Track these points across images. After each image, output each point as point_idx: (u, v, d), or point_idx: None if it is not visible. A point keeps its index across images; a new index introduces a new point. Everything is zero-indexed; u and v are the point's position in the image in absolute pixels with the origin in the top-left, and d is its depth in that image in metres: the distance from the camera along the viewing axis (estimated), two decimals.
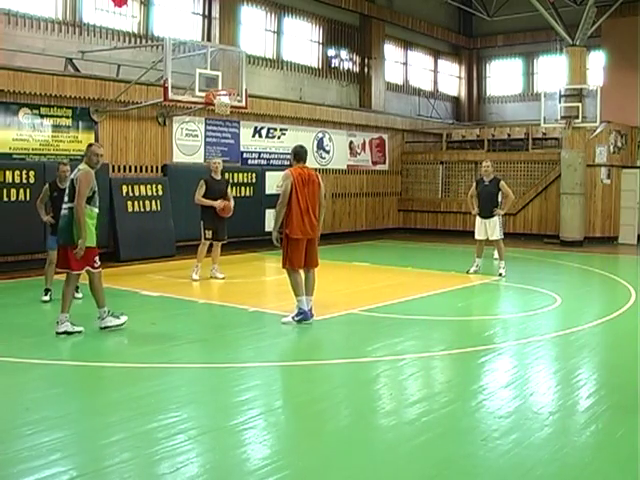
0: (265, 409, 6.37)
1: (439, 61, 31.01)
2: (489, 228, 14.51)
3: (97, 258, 9.14)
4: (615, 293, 13.11)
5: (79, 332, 8.94)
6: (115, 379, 7.26)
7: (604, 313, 10.89)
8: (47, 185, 11.39)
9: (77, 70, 16.37)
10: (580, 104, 21.20)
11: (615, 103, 22.77)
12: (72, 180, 9.01)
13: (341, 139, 22.94)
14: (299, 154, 9.99)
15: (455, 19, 30.57)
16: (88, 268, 9.01)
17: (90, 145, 9.47)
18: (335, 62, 25.22)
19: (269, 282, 14.42)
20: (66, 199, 9.03)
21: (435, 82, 30.78)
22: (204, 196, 13.52)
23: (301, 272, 9.90)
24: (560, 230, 21.62)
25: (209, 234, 13.62)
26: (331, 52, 25.05)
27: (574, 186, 21.09)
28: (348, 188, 23.10)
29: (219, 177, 13.89)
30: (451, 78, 31.65)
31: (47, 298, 11.27)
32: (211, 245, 13.85)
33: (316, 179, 9.84)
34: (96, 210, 9.11)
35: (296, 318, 9.73)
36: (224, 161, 15.37)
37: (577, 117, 21.14)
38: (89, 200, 8.93)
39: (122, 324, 9.30)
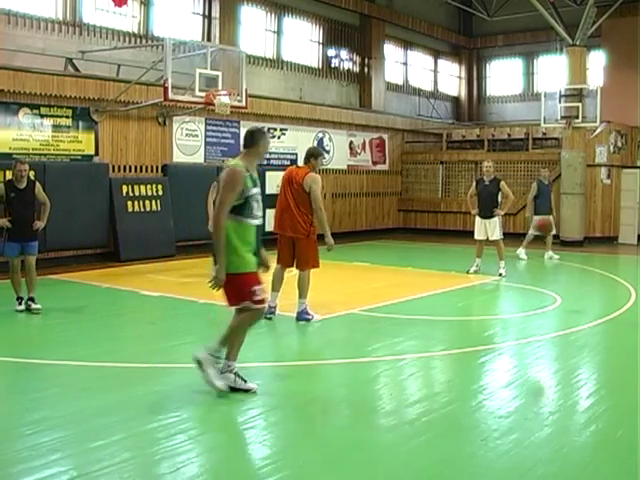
0: (265, 409, 6.37)
1: (439, 61, 31.01)
2: (489, 228, 14.52)
3: (258, 288, 6.64)
4: (615, 293, 13.10)
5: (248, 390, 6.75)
6: (115, 379, 7.26)
7: (604, 313, 10.89)
8: (1, 185, 10.39)
9: (77, 70, 16.38)
10: (580, 104, 21.21)
11: (615, 103, 22.76)
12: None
13: (341, 139, 22.94)
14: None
15: (455, 19, 30.57)
16: (247, 303, 6.62)
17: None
18: (335, 62, 25.22)
19: (269, 282, 14.40)
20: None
21: (435, 82, 30.79)
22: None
23: (293, 271, 10.00)
24: (560, 230, 21.59)
25: None
26: (331, 52, 25.06)
27: (574, 186, 21.09)
28: (348, 188, 23.10)
29: None
30: (451, 78, 31.66)
31: (22, 307, 10.25)
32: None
33: (300, 179, 9.79)
34: (252, 222, 6.65)
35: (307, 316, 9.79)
36: (223, 160, 15.42)
37: (577, 117, 21.14)
38: (239, 209, 6.55)
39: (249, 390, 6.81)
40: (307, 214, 9.75)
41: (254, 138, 6.77)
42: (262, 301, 6.67)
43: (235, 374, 6.70)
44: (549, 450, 5.46)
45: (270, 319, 9.80)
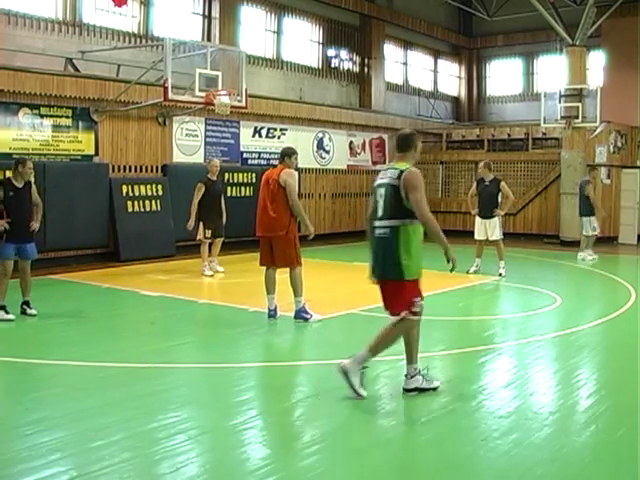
0: (264, 409, 6.39)
1: (439, 61, 31.03)
2: (489, 228, 14.54)
3: (418, 300, 6.78)
4: (615, 293, 13.10)
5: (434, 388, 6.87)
6: (115, 379, 7.26)
7: (604, 313, 10.89)
8: None
9: (77, 70, 16.38)
10: (580, 104, 21.22)
11: (615, 103, 22.77)
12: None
13: (341, 139, 22.95)
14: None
15: (455, 19, 30.58)
16: (405, 313, 6.68)
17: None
18: (335, 62, 25.23)
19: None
20: (381, 213, 6.65)
21: (435, 82, 30.81)
22: (202, 198, 13.96)
23: (283, 272, 10.02)
24: (560, 230, 21.62)
25: (209, 233, 14.14)
26: (331, 52, 25.07)
27: (574, 186, 21.02)
28: (348, 188, 23.10)
29: (215, 178, 14.39)
30: (451, 78, 31.67)
31: (11, 316, 9.79)
32: (210, 243, 14.39)
33: (276, 177, 9.79)
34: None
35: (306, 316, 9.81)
36: (224, 161, 15.48)
37: (577, 117, 21.16)
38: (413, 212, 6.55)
39: (435, 388, 6.91)
40: (284, 212, 9.74)
41: (412, 142, 6.88)
42: (419, 313, 6.76)
43: (422, 376, 6.81)
44: (549, 450, 5.46)
45: (272, 320, 9.83)
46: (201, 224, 14.10)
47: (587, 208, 17.51)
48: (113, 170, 16.37)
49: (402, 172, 6.52)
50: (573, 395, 6.97)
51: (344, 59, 25.56)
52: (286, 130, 20.84)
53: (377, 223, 6.66)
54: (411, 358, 6.82)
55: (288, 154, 10.08)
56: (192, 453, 5.31)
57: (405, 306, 6.59)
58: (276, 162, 19.73)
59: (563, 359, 8.50)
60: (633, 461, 5.27)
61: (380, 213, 6.63)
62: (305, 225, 10.00)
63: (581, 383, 7.43)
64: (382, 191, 6.64)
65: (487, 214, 14.55)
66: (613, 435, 5.83)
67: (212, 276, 14.17)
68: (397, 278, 6.57)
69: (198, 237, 14.22)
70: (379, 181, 6.75)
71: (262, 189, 9.99)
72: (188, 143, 18.18)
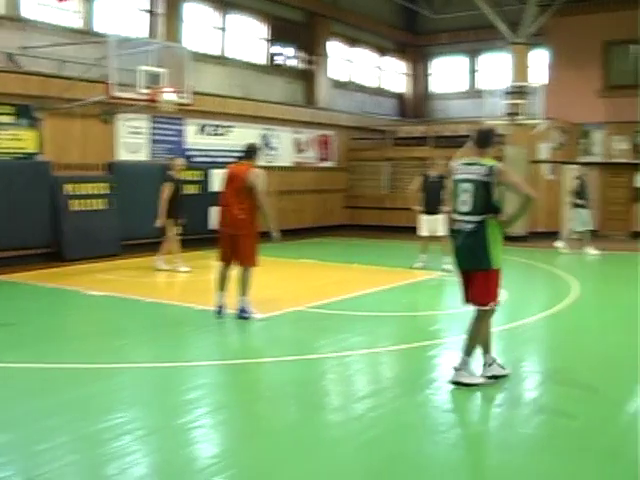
0: (212, 407, 6.37)
1: (384, 58, 31.13)
2: (435, 224, 14.65)
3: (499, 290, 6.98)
4: (558, 287, 13.30)
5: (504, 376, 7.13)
6: (60, 381, 7.18)
7: (548, 306, 11.07)
8: None
9: (19, 66, 16.12)
10: (524, 101, 21.51)
11: (558, 100, 23.11)
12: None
13: (287, 136, 22.94)
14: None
15: (400, 16, 30.70)
16: (492, 305, 6.94)
17: None
18: (280, 59, 25.17)
19: (215, 280, 14.36)
20: (469, 208, 6.74)
21: (380, 79, 30.92)
22: (170, 196, 14.14)
23: (234, 269, 10.01)
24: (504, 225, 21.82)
25: (179, 229, 14.42)
26: (276, 49, 24.99)
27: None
28: (294, 185, 23.08)
29: (179, 176, 14.65)
30: (396, 75, 31.82)
31: None
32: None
33: (243, 175, 9.79)
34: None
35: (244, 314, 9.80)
36: (170, 159, 15.40)
37: (520, 114, 21.43)
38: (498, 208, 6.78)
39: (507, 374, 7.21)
40: (249, 211, 9.74)
41: (492, 138, 7.10)
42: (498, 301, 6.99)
43: (498, 364, 7.13)
44: (495, 442, 5.55)
45: (220, 318, 9.80)
46: (171, 221, 14.18)
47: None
48: (57, 168, 16.12)
49: (492, 168, 6.71)
50: (518, 387, 7.06)
51: (289, 56, 25.51)
52: (232, 127, 20.76)
53: (463, 217, 6.80)
54: (487, 348, 7.14)
55: (255, 151, 10.13)
56: (139, 454, 5.27)
57: (493, 296, 6.86)
58: (222, 159, 19.82)
59: (508, 352, 8.59)
60: (575, 450, 5.38)
61: (467, 208, 6.76)
62: (273, 229, 9.92)
63: (526, 375, 7.54)
64: (468, 186, 6.77)
65: (434, 210, 14.66)
66: (557, 425, 5.93)
67: (190, 271, 14.24)
68: (487, 267, 6.75)
69: (169, 234, 14.20)
70: (462, 176, 6.86)
71: (226, 185, 9.94)
72: (133, 141, 18.00)
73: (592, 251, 18.33)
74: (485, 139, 6.99)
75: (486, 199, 6.67)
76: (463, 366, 6.83)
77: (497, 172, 6.67)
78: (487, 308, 6.85)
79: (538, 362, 8.25)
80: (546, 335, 9.69)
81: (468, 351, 6.89)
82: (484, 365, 7.09)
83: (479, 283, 6.81)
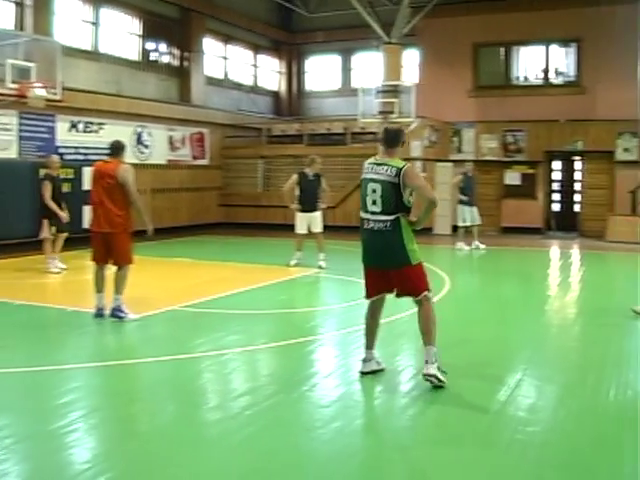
0: (86, 411, 6.24)
1: (259, 56, 31.14)
2: (312, 221, 14.76)
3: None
4: (431, 281, 13.58)
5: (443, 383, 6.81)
6: None
7: None
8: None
9: None
10: (396, 100, 21.93)
11: (429, 99, 23.64)
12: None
13: (161, 134, 22.65)
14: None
15: (275, 14, 30.75)
16: (427, 292, 7.08)
17: None
18: (154, 55, 24.84)
19: (87, 280, 14.06)
20: (379, 208, 6.81)
21: (255, 77, 30.91)
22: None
23: (109, 269, 9.88)
24: None
25: (54, 229, 13.92)
26: (150, 45, 24.64)
27: None
28: (168, 183, 22.82)
29: (56, 174, 14.31)
30: (271, 73, 31.88)
31: None
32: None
33: (112, 173, 9.64)
34: None
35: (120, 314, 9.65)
36: (40, 156, 15.02)
37: (393, 112, 21.84)
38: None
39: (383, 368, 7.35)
40: (122, 208, 9.60)
41: (401, 138, 7.16)
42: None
43: (377, 361, 7.31)
44: (370, 436, 5.64)
45: (100, 320, 9.62)
46: (45, 221, 13.80)
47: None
48: None
49: (399, 170, 6.78)
50: (393, 381, 7.18)
51: (163, 52, 25.22)
52: (104, 124, 20.34)
53: (374, 217, 6.86)
54: (372, 344, 7.28)
55: (122, 148, 10.02)
56: (9, 463, 5.07)
57: (425, 285, 7.00)
58: (94, 157, 19.40)
59: (383, 346, 8.73)
60: (448, 441, 5.53)
61: (377, 208, 6.82)
62: (145, 221, 9.79)
63: (400, 369, 7.68)
64: (376, 186, 6.83)
65: (311, 208, 14.77)
66: (429, 417, 6.08)
67: (59, 273, 13.80)
68: (408, 263, 6.86)
69: (42, 235, 13.80)
70: (370, 175, 6.92)
71: (95, 184, 9.74)
72: (0, 138, 17.41)
73: (480, 245, 18.93)
74: (393, 139, 7.07)
75: (396, 199, 6.75)
76: (434, 357, 6.87)
77: (403, 174, 6.74)
78: (426, 294, 7.00)
79: (410, 355, 8.41)
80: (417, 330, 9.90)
81: (432, 340, 6.98)
82: (363, 360, 7.20)
83: (407, 278, 6.95)
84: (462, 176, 19.21)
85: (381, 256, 6.92)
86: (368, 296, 7.20)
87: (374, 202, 6.83)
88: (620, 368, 7.59)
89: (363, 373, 7.13)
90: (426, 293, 6.99)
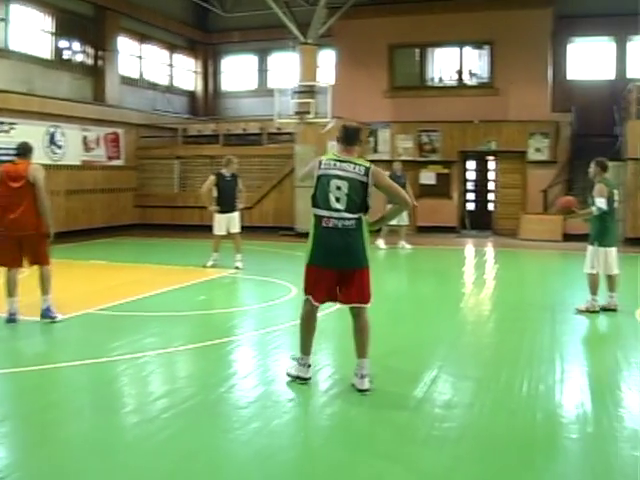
0: (7, 415, 6.10)
1: (175, 55, 30.84)
2: (232, 222, 14.71)
3: None
4: None
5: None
6: None
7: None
8: None
9: None
10: (312, 100, 22.01)
11: (345, 100, 23.77)
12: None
13: (74, 134, 22.23)
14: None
15: (191, 14, 30.48)
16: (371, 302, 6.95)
17: None
18: (68, 54, 24.34)
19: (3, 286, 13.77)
20: (343, 206, 6.64)
21: (171, 76, 30.61)
22: None
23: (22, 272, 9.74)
24: (295, 222, 22.30)
25: None
26: (63, 43, 24.13)
27: (305, 179, 21.77)
28: (83, 184, 22.43)
29: None
30: (187, 73, 31.61)
31: None
32: None
33: (23, 174, 9.48)
34: None
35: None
36: None
37: (309, 113, 21.92)
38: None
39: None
40: (36, 209, 9.45)
41: (360, 135, 7.03)
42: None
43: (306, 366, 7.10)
44: (288, 436, 5.67)
45: (13, 325, 9.41)
46: None
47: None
48: None
49: (368, 169, 6.65)
50: (311, 381, 7.22)
51: (77, 51, 24.74)
52: (15, 124, 19.88)
53: (337, 215, 6.62)
54: (309, 350, 7.10)
55: (31, 149, 9.88)
56: None
57: (370, 294, 6.81)
58: (5, 158, 18.96)
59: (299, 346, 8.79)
60: (366, 439, 5.59)
61: (342, 206, 6.60)
62: (51, 227, 9.61)
63: (317, 368, 7.70)
64: (342, 184, 6.61)
65: (230, 208, 14.72)
66: (347, 415, 6.13)
67: None
68: (363, 265, 6.71)
69: None
70: (335, 172, 6.67)
71: (4, 187, 9.50)
72: None
73: (406, 245, 19.10)
74: (354, 137, 6.91)
75: (362, 198, 6.60)
76: (366, 370, 6.74)
77: (373, 174, 6.64)
78: (369, 305, 6.81)
79: (328, 354, 8.46)
80: (336, 327, 9.95)
81: (368, 353, 6.82)
82: (307, 365, 7.05)
83: (359, 282, 6.74)
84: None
85: (341, 255, 6.65)
86: (315, 300, 6.86)
87: (338, 199, 6.59)
88: (532, 363, 7.79)
89: (307, 378, 6.98)
90: (369, 304, 6.84)
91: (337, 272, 6.71)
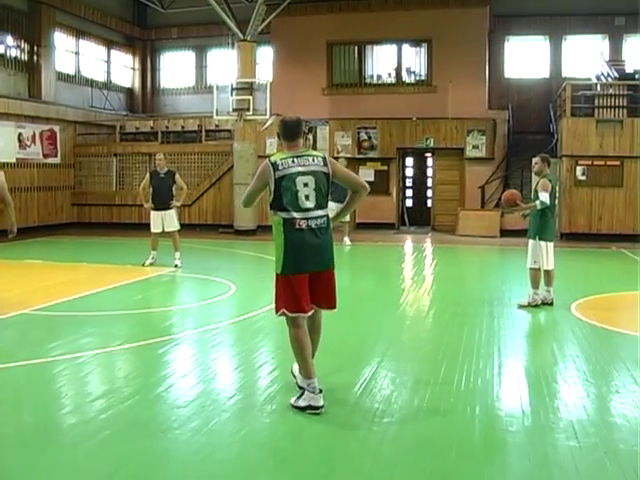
0: None
1: (112, 51, 30.43)
2: (165, 220, 14.61)
3: None
4: None
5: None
6: None
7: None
8: None
9: None
10: (251, 97, 21.99)
11: (284, 97, 23.76)
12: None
13: (9, 131, 21.85)
14: None
15: (129, 10, 30.11)
16: None
17: None
18: (1, 49, 23.90)
19: None
20: (313, 204, 6.15)
21: (108, 73, 30.20)
22: None
23: None
24: (234, 220, 22.24)
25: None
26: None
27: (246, 176, 21.73)
28: (18, 182, 22.02)
29: None
30: (125, 69, 31.23)
31: None
32: None
33: None
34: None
35: None
36: None
37: (248, 110, 21.89)
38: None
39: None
40: None
41: (302, 127, 6.45)
42: None
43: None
44: (228, 434, 5.64)
45: None
46: None
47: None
48: None
49: (324, 159, 6.22)
50: (251, 378, 7.22)
51: (11, 46, 24.30)
52: None
53: (310, 214, 6.09)
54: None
55: None
56: None
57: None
58: None
59: (240, 344, 8.79)
60: (307, 436, 5.60)
61: (312, 204, 6.08)
62: (12, 223, 9.73)
63: (257, 365, 7.71)
64: (307, 180, 6.08)
65: (164, 206, 14.62)
66: (287, 413, 6.11)
67: None
68: (333, 266, 6.34)
69: None
70: (297, 169, 6.09)
71: None
72: None
73: (347, 242, 19.14)
74: (294, 130, 6.32)
75: (327, 191, 6.21)
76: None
77: (331, 162, 6.27)
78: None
79: (267, 352, 8.44)
80: (275, 325, 9.93)
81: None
82: (319, 391, 6.12)
83: (331, 284, 6.35)
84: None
85: (319, 256, 6.18)
86: (302, 311, 6.15)
87: (307, 197, 6.08)
88: (471, 357, 7.87)
89: (321, 407, 6.06)
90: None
91: (316, 276, 6.22)
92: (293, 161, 6.12)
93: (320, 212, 6.15)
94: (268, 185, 6.16)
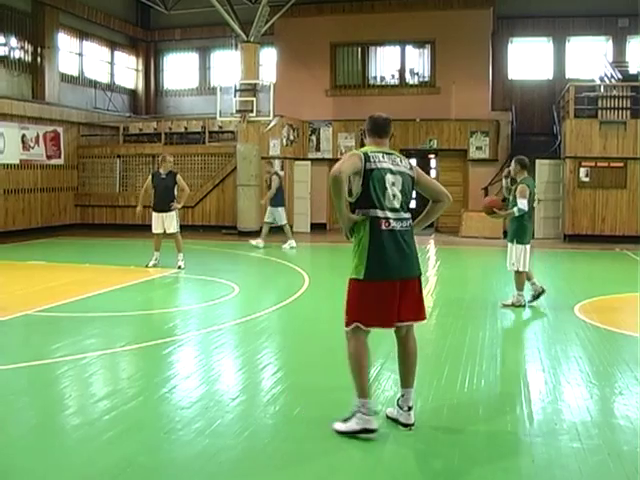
0: None
1: (116, 53, 30.45)
2: (166, 221, 14.60)
3: None
4: (290, 280, 13.68)
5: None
6: None
7: (281, 299, 11.37)
8: None
9: None
10: (254, 99, 21.97)
11: (287, 98, 23.81)
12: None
13: (13, 132, 21.85)
14: None
15: (132, 11, 30.15)
16: None
17: None
18: (4, 50, 23.91)
19: None
20: (398, 204, 5.68)
21: (112, 74, 30.22)
22: None
23: None
24: (237, 221, 22.23)
25: None
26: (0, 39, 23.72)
27: (249, 178, 21.77)
28: (21, 184, 22.08)
29: None
30: (128, 71, 31.25)
31: None
32: None
33: None
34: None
35: None
36: None
37: (251, 111, 21.88)
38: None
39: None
40: None
41: (391, 128, 5.99)
42: None
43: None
44: (231, 435, 5.63)
45: None
46: None
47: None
48: None
49: (410, 163, 5.87)
50: (254, 379, 7.22)
51: (15, 47, 24.32)
52: None
53: (396, 215, 5.63)
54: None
55: None
56: None
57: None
58: None
59: (243, 345, 8.78)
60: (310, 438, 5.59)
61: (398, 204, 5.64)
62: None
63: (261, 367, 7.71)
64: (395, 179, 5.65)
65: (164, 207, 14.61)
66: (290, 414, 6.12)
67: None
68: (420, 273, 5.82)
69: None
70: (388, 165, 5.66)
71: None
72: None
73: (292, 244, 18.91)
74: (385, 127, 5.89)
75: (411, 196, 5.86)
76: (412, 402, 5.87)
77: (416, 169, 5.91)
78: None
79: (271, 353, 8.44)
80: (279, 326, 9.97)
81: (414, 380, 5.94)
82: (375, 413, 5.78)
83: (419, 293, 5.82)
84: (276, 177, 19.26)
85: (406, 262, 5.66)
86: (386, 324, 5.70)
87: (394, 197, 5.64)
88: (474, 359, 7.87)
89: (375, 430, 5.58)
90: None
91: (402, 283, 5.64)
92: (384, 157, 5.69)
93: (406, 215, 5.72)
94: (349, 180, 5.63)
